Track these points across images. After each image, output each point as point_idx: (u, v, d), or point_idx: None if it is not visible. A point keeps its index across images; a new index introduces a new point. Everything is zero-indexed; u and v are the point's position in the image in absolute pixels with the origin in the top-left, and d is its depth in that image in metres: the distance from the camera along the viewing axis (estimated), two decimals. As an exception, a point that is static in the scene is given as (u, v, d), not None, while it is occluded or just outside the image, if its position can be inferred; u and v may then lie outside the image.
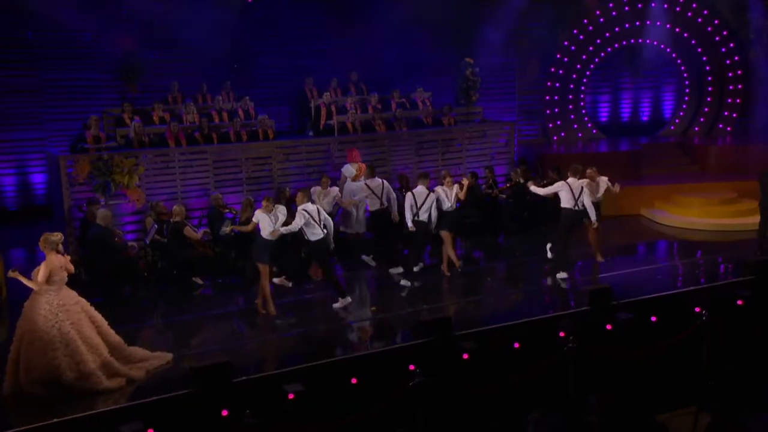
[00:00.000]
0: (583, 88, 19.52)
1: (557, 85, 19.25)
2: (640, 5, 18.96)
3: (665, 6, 18.99)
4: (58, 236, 8.77)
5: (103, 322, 8.97)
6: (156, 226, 12.37)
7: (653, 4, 18.91)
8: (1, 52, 14.97)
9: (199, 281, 12.16)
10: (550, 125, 19.32)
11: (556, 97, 19.26)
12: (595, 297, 10.54)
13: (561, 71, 19.21)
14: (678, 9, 19.10)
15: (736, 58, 19.18)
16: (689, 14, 19.15)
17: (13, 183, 15.84)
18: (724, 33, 19.18)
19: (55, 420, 7.90)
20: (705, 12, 19.07)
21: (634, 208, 15.90)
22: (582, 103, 19.58)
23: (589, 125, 19.68)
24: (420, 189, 12.08)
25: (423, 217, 12.06)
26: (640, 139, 19.14)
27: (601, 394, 8.88)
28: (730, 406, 7.83)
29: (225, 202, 13.13)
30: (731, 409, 7.76)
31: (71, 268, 8.80)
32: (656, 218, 15.43)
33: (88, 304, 8.99)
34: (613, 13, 18.93)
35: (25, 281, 8.55)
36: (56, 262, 8.56)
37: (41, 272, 8.45)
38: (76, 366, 8.48)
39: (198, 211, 13.40)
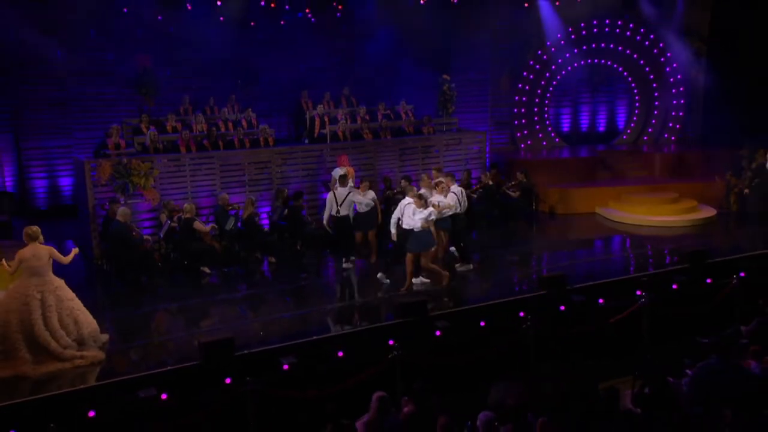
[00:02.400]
0: (547, 102, 19.45)
1: (524, 99, 19.16)
2: (595, 29, 18.85)
3: (617, 30, 18.95)
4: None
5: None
6: (169, 221, 12.40)
7: (606, 29, 18.87)
8: (34, 69, 14.87)
9: (207, 270, 12.13)
10: (518, 134, 19.24)
11: (523, 110, 19.18)
12: (551, 282, 10.62)
13: (528, 87, 19.13)
14: (628, 33, 19.02)
15: (679, 76, 19.11)
16: (638, 38, 19.08)
17: (43, 185, 15.75)
18: (668, 54, 19.06)
19: (81, 387, 8.00)
20: (651, 36, 19.01)
21: (590, 206, 15.88)
22: (546, 115, 19.50)
23: (553, 134, 19.65)
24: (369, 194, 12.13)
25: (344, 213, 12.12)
26: (597, 147, 19.14)
27: (555, 365, 8.95)
28: (660, 374, 7.90)
29: (230, 201, 13.09)
30: (661, 377, 7.81)
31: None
32: (609, 216, 15.39)
33: None
34: (572, 36, 18.80)
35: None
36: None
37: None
38: None
39: (206, 209, 13.40)
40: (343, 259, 12.42)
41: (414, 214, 10.55)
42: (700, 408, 7.25)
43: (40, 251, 8.58)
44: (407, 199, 10.94)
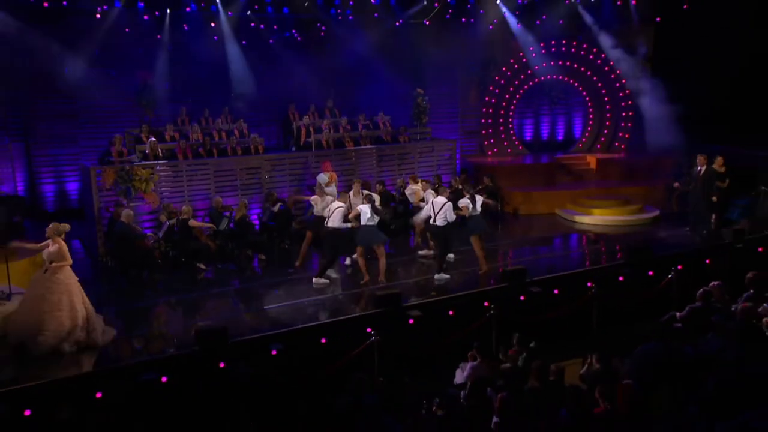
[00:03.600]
0: (511, 113, 19.39)
1: (491, 110, 19.15)
2: (553, 49, 18.90)
3: (572, 50, 19.02)
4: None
5: None
6: (168, 222, 12.43)
7: (563, 48, 18.94)
8: (44, 84, 14.70)
9: (203, 267, 12.14)
10: (486, 142, 19.20)
11: (490, 120, 19.18)
12: (512, 276, 10.73)
13: (494, 100, 19.13)
14: (582, 53, 19.04)
15: (627, 91, 19.12)
16: (591, 57, 19.05)
17: (52, 190, 15.66)
18: (618, 72, 19.01)
19: (86, 371, 8.09)
20: (603, 55, 19.00)
21: (549, 208, 15.96)
22: (510, 125, 19.49)
23: (517, 143, 19.59)
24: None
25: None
26: (556, 154, 19.15)
27: (515, 348, 8.85)
28: (606, 354, 8.12)
29: (223, 203, 13.12)
30: (607, 357, 8.06)
31: None
32: (566, 216, 15.44)
33: None
34: (533, 54, 18.84)
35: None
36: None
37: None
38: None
39: (202, 211, 13.37)
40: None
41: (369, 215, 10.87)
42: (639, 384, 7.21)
43: (64, 246, 8.63)
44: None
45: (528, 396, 7.25)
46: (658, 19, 18.60)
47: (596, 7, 18.38)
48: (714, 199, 13.21)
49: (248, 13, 15.88)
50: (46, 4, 13.82)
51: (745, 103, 16.12)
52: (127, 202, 12.81)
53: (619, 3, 18.44)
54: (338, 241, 11.12)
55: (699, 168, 13.28)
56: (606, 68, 19.34)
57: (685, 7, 17.31)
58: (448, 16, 17.74)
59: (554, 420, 6.53)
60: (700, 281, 10.68)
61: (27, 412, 7.36)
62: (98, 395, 7.72)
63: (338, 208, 11.01)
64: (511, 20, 18.26)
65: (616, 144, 19.61)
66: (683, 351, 8.10)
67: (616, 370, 7.90)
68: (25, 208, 13.84)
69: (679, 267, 11.45)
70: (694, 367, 7.63)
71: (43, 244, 8.66)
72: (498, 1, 17.53)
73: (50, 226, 8.71)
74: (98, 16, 14.55)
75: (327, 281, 11.15)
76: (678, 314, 9.07)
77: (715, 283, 9.19)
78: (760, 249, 12.37)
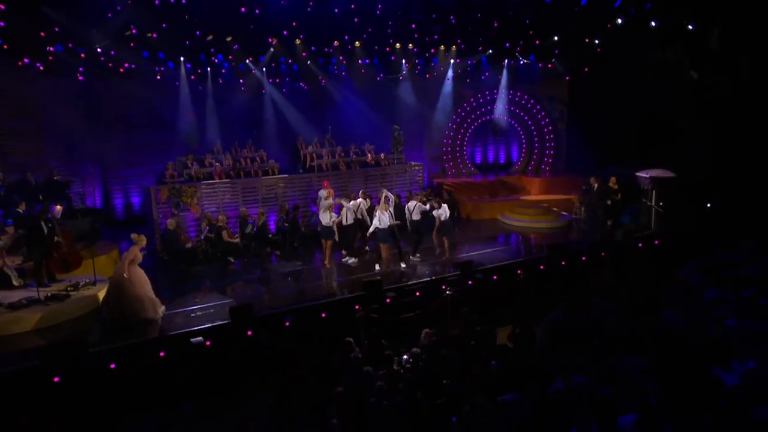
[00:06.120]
0: (465, 143, 19.44)
1: (450, 141, 19.22)
2: (496, 95, 19.12)
3: (510, 96, 19.19)
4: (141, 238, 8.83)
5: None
6: (207, 228, 12.47)
7: (502, 94, 19.06)
8: (113, 123, 14.78)
9: (232, 260, 12.11)
10: (446, 165, 19.19)
11: (449, 149, 19.24)
12: (463, 266, 10.63)
13: (452, 133, 19.20)
14: (517, 99, 19.21)
15: (550, 127, 19.35)
16: (523, 102, 19.32)
17: (121, 203, 15.78)
18: (543, 113, 19.31)
19: (152, 336, 8.14)
20: (531, 101, 19.28)
21: (492, 215, 16.01)
22: (465, 152, 19.48)
23: (469, 165, 19.55)
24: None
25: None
26: (499, 174, 19.06)
27: (463, 318, 8.88)
28: (528, 322, 8.41)
29: (248, 213, 13.11)
30: (528, 324, 8.33)
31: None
32: (505, 221, 15.43)
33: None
34: (480, 99, 19.16)
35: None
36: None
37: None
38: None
39: (232, 218, 13.31)
40: (344, 254, 12.04)
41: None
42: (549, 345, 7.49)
43: (139, 254, 8.73)
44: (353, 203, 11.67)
45: (467, 351, 7.36)
46: (567, 78, 18.95)
47: (526, 67, 18.57)
48: (609, 202, 13.20)
49: (264, 69, 15.91)
50: (121, 70, 14.05)
51: (633, 138, 16.42)
52: (177, 213, 12.89)
53: (540, 66, 18.73)
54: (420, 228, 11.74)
55: (593, 186, 13.44)
56: (534, 111, 19.55)
57: (586, 69, 17.73)
58: (417, 71, 17.88)
59: (487, 368, 6.78)
60: (599, 268, 11.20)
61: (112, 366, 7.50)
62: (161, 354, 7.86)
63: (416, 206, 11.63)
64: (463, 76, 18.49)
65: (543, 167, 19.61)
66: (589, 318, 8.28)
67: (533, 333, 8.16)
68: (102, 217, 13.91)
69: (584, 258, 11.65)
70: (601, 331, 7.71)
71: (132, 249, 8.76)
72: (451, 61, 17.72)
73: (140, 236, 8.77)
74: (158, 77, 14.79)
75: (355, 260, 11.47)
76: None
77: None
78: (639, 244, 12.46)
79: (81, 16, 10.14)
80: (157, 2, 9.93)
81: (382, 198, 11.37)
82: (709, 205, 14.04)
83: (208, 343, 8.13)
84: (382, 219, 10.95)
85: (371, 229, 11.19)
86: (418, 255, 11.85)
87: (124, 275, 8.37)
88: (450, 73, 18.26)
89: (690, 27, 14.29)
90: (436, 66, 17.97)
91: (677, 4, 13.72)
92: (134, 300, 8.44)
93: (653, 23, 14.33)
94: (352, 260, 11.79)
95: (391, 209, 11.38)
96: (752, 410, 5.26)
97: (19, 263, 9.77)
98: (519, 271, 10.85)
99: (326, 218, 11.46)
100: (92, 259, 9.67)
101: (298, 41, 14.66)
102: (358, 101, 17.27)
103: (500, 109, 19.38)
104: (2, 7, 9.32)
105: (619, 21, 14.42)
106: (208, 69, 15.41)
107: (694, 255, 10.94)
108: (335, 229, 11.56)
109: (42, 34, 10.87)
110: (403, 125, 17.34)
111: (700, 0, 13.73)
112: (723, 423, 5.12)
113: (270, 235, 13.09)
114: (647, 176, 13.61)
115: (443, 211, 11.62)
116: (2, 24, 9.98)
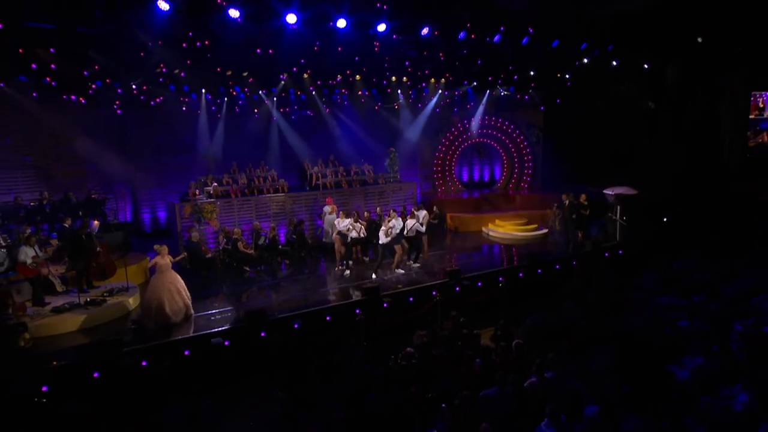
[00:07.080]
0: (453, 163, 19.14)
1: (440, 162, 18.98)
2: (480, 122, 18.82)
3: (492, 123, 19.04)
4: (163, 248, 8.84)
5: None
6: (225, 240, 12.28)
7: (486, 120, 18.92)
8: (144, 147, 14.93)
9: (247, 269, 11.95)
10: (436, 183, 18.91)
11: (439, 168, 18.98)
12: (451, 274, 10.66)
13: (441, 155, 18.79)
14: (499, 124, 19.13)
15: (528, 150, 19.33)
16: (504, 127, 19.23)
17: (149, 217, 15.73)
18: (522, 137, 19.28)
19: (178, 338, 8.19)
20: (512, 126, 19.19)
21: (477, 227, 15.83)
22: (453, 171, 19.17)
23: (457, 183, 19.27)
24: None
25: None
26: (484, 191, 18.80)
27: (451, 321, 8.85)
28: (507, 323, 8.54)
29: (261, 226, 12.94)
30: (507, 325, 8.47)
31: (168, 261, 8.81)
32: (489, 233, 15.27)
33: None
34: (467, 125, 19.13)
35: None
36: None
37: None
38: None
39: (247, 231, 12.96)
40: (341, 265, 11.84)
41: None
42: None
43: (166, 260, 8.84)
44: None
45: (455, 351, 7.43)
46: (542, 107, 19.10)
47: (507, 97, 18.68)
48: (576, 216, 13.23)
49: (275, 99, 15.97)
50: (152, 103, 14.22)
51: (601, 159, 16.62)
52: (199, 226, 12.89)
53: (518, 96, 18.91)
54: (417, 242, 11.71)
55: (565, 202, 13.44)
56: (514, 135, 19.50)
57: (558, 101, 17.99)
58: (411, 100, 18.02)
59: (471, 366, 6.89)
60: (571, 276, 11.23)
61: (144, 363, 7.59)
62: (186, 353, 7.95)
63: (415, 223, 11.55)
64: (451, 105, 18.56)
65: (522, 184, 19.59)
66: (562, 320, 8.41)
67: (512, 334, 8.29)
68: (132, 230, 13.92)
69: (557, 266, 11.64)
70: (573, 333, 7.88)
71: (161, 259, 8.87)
72: (439, 92, 17.85)
73: (162, 246, 8.84)
74: (184, 108, 14.90)
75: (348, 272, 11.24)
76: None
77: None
78: (606, 254, 12.50)
79: (118, 57, 10.42)
80: (184, 45, 10.19)
81: (391, 213, 11.75)
82: (666, 219, 14.15)
83: (227, 343, 8.17)
84: (397, 226, 11.20)
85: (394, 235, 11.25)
86: (417, 264, 11.87)
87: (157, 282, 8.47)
88: (436, 102, 18.23)
89: (646, 66, 14.71)
90: (428, 96, 18.10)
91: (635, 46, 14.14)
92: (158, 307, 8.54)
93: (614, 62, 14.74)
94: (416, 265, 11.81)
95: (394, 221, 11.44)
96: (700, 400, 5.49)
97: (62, 272, 9.89)
98: (501, 278, 10.85)
99: (383, 237, 11.33)
100: (125, 268, 9.83)
101: (305, 75, 14.81)
102: (358, 127, 17.29)
103: (484, 133, 19.39)
104: (52, 50, 9.62)
105: (586, 60, 14.80)
106: (226, 99, 15.42)
107: (653, 263, 11.05)
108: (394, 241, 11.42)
109: (85, 73, 11.12)
110: (399, 148, 17.32)
111: (655, 42, 14.14)
112: (675, 411, 5.34)
113: (280, 246, 13.01)
114: (613, 193, 13.74)
115: (414, 222, 11.72)
116: (54, 66, 10.25)
